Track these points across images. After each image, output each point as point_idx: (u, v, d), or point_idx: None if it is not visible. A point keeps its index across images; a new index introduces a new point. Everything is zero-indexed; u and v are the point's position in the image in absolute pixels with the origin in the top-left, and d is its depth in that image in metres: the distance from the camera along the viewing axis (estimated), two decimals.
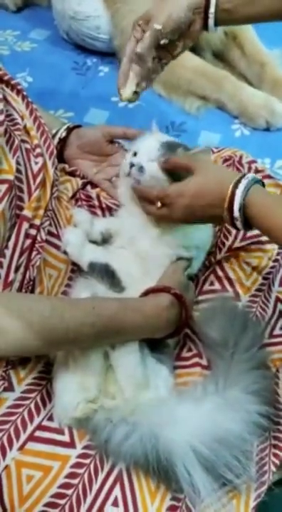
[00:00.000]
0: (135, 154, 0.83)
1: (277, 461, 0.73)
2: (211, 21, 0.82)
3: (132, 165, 0.81)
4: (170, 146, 0.82)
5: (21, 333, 0.63)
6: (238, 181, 0.69)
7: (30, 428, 0.69)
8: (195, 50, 1.30)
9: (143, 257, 0.82)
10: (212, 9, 0.81)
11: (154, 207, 0.77)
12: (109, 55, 1.34)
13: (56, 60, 1.34)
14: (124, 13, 1.26)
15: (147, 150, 0.83)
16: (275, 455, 0.73)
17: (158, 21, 0.80)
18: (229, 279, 0.85)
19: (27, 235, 0.73)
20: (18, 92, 0.82)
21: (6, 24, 1.44)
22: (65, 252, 0.80)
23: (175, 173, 0.80)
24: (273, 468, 0.72)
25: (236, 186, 0.69)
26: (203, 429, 0.68)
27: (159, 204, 0.76)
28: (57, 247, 0.79)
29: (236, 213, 0.69)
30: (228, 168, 0.89)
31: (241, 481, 0.69)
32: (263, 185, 0.73)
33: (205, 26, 0.83)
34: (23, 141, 0.77)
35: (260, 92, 1.22)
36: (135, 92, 0.85)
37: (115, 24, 1.28)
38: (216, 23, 0.83)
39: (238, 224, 0.70)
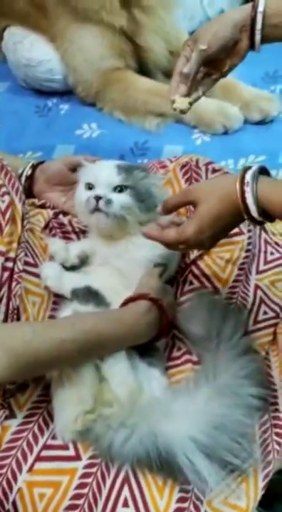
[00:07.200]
0: (90, 187, 0.83)
1: (279, 440, 0.75)
2: (257, 38, 0.79)
3: (98, 198, 0.80)
4: (127, 169, 0.83)
5: (6, 359, 0.66)
6: (242, 178, 0.66)
7: (36, 449, 0.72)
8: (146, 72, 1.38)
9: (121, 272, 0.85)
10: (259, 26, 0.78)
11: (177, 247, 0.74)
12: (67, 93, 1.41)
13: (18, 106, 1.41)
14: (73, 52, 1.34)
15: (107, 179, 0.81)
16: (277, 434, 0.76)
17: (203, 41, 0.79)
18: (206, 276, 0.88)
19: (4, 268, 0.78)
20: None
21: None
22: (45, 287, 0.82)
23: (143, 198, 0.81)
24: (277, 447, 0.74)
25: (242, 184, 0.66)
26: (199, 420, 0.71)
27: (182, 246, 0.73)
28: (36, 276, 0.83)
29: (254, 213, 0.66)
30: (186, 175, 0.93)
31: (248, 464, 0.71)
32: (266, 170, 0.69)
33: (252, 44, 0.81)
34: None
35: (212, 99, 1.28)
36: (189, 103, 0.83)
37: (67, 63, 1.36)
38: (263, 40, 0.80)
39: (261, 218, 0.67)
